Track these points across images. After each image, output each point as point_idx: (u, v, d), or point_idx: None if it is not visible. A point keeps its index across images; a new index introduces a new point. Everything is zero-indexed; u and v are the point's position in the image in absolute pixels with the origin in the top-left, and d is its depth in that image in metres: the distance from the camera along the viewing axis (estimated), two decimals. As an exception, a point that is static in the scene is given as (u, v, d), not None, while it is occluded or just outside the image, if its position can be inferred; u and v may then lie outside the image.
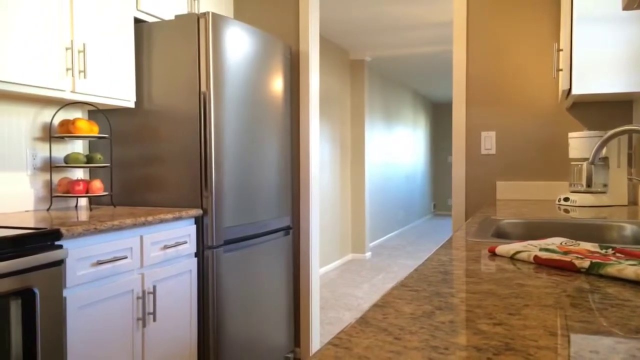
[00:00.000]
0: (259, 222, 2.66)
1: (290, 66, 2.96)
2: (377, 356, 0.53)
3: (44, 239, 1.59)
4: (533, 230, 1.80)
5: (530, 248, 1.07)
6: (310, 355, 2.95)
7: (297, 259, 3.09)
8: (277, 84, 2.80)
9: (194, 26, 2.34)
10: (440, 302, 0.74)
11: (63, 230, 1.65)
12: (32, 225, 1.71)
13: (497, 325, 0.63)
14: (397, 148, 8.34)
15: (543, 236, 1.77)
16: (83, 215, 2.05)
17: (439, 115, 11.38)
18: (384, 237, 7.71)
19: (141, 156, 2.47)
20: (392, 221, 8.10)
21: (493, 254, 1.11)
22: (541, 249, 1.06)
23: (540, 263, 0.99)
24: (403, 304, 0.73)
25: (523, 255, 1.03)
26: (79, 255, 1.74)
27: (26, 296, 1.53)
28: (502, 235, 1.76)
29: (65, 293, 1.69)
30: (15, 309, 1.51)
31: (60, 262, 1.64)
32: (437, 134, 11.38)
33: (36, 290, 1.55)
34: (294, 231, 3.09)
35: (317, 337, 3.18)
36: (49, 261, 1.57)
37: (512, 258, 1.06)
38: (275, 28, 3.11)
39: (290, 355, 3.03)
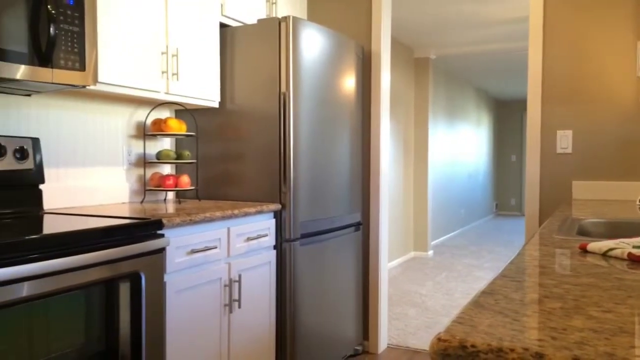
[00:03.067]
0: (332, 217, 2.76)
1: (362, 66, 3.04)
2: (502, 333, 0.60)
3: (148, 228, 1.75)
4: (616, 230, 1.80)
5: (623, 245, 1.10)
6: (379, 349, 3.01)
7: (367, 255, 3.17)
8: (349, 84, 2.89)
9: (275, 29, 2.46)
10: (545, 291, 0.79)
11: (164, 220, 1.80)
12: (131, 216, 1.88)
13: (606, 312, 0.68)
14: (460, 146, 8.25)
15: (627, 236, 1.76)
16: (172, 208, 2.21)
17: (503, 113, 11.12)
18: (446, 236, 7.66)
19: (223, 153, 2.62)
20: (453, 220, 8.03)
21: (584, 251, 1.15)
22: (634, 247, 1.09)
23: (634, 260, 1.02)
24: (510, 292, 0.79)
25: (616, 252, 1.06)
26: (177, 244, 1.90)
27: (134, 279, 1.69)
28: (585, 234, 1.77)
29: (165, 278, 1.85)
30: (124, 291, 1.67)
31: (162, 250, 1.79)
32: (501, 132, 11.13)
33: (142, 275, 1.71)
34: (363, 227, 3.17)
35: (384, 332, 3.25)
36: (153, 249, 1.73)
37: (605, 255, 1.09)
38: (348, 28, 3.19)
39: (359, 348, 3.11)
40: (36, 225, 1.67)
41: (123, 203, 2.43)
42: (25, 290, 1.35)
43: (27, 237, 1.38)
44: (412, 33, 5.38)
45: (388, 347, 3.29)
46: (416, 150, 6.32)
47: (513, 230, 8.79)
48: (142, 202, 2.50)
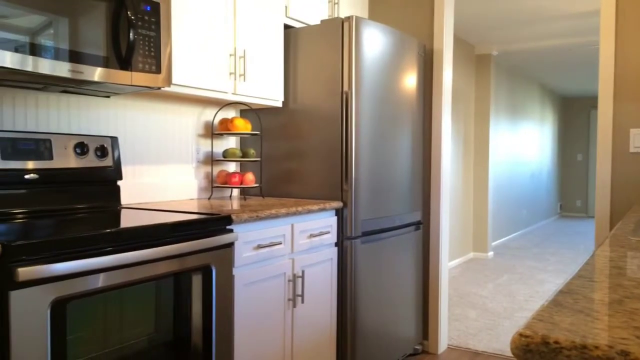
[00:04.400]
0: (392, 216, 2.76)
1: (423, 64, 3.02)
2: (585, 330, 0.60)
3: (219, 223, 1.82)
4: (697, 233, 1.71)
5: None
6: (439, 349, 2.99)
7: (427, 254, 3.15)
8: (410, 82, 2.88)
9: (338, 29, 2.49)
10: (625, 292, 0.78)
11: (233, 216, 1.88)
12: (200, 211, 1.96)
13: (694, 314, 0.67)
14: (523, 145, 8.00)
15: None
16: (238, 204, 2.28)
17: (569, 111, 10.69)
18: (507, 237, 7.46)
19: (286, 151, 2.69)
20: (515, 221, 7.80)
21: (664, 253, 1.11)
22: None
23: None
24: (588, 292, 0.78)
25: (701, 255, 1.02)
26: (244, 239, 1.97)
27: (205, 272, 1.77)
28: (662, 236, 1.69)
29: (234, 271, 1.92)
30: (196, 283, 1.76)
31: (231, 244, 1.86)
32: (567, 131, 10.70)
33: (213, 268, 1.79)
34: (424, 226, 3.15)
35: (445, 332, 3.22)
36: (223, 243, 1.80)
37: (688, 258, 1.05)
38: (410, 26, 3.18)
39: (419, 347, 3.10)
40: (116, 219, 1.78)
41: (191, 199, 2.53)
42: (104, 280, 1.45)
43: (109, 230, 1.47)
44: (474, 29, 5.28)
45: (448, 347, 3.26)
46: (476, 149, 6.19)
47: (579, 232, 8.44)
48: (209, 198, 2.60)
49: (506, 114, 7.23)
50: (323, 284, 2.40)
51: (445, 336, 3.23)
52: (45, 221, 1.68)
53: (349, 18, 2.46)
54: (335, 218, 2.48)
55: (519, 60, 6.86)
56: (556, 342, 0.57)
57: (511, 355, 2.92)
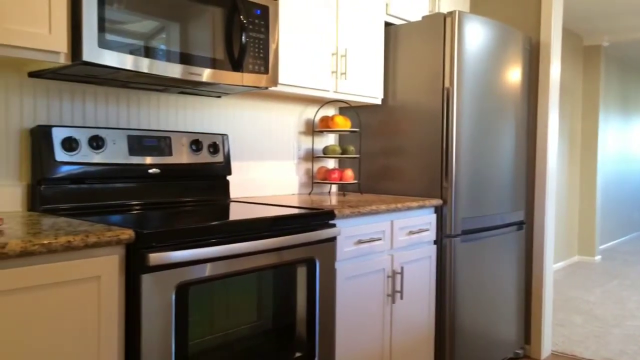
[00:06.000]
0: (493, 214, 2.69)
1: (529, 57, 2.90)
2: None
3: (322, 217, 1.88)
4: None
5: None
6: (542, 354, 2.87)
7: (530, 255, 3.03)
8: (514, 76, 2.78)
9: (440, 25, 2.46)
10: None
11: (335, 211, 1.93)
12: (302, 206, 2.03)
13: None
14: (636, 141, 7.39)
15: None
16: (337, 200, 2.33)
17: (690, 104, 9.70)
18: (617, 241, 6.94)
19: (385, 148, 2.70)
20: (626, 223, 7.24)
21: None
22: None
23: None
24: None
25: None
26: (346, 234, 2.01)
27: (309, 265, 1.84)
28: None
29: (336, 265, 1.97)
30: (301, 275, 1.83)
31: (333, 239, 1.92)
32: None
33: (317, 260, 1.85)
34: (527, 226, 3.03)
35: (548, 337, 3.08)
36: (327, 237, 1.86)
37: None
38: (514, 19, 3.06)
39: (520, 352, 2.99)
40: (228, 211, 1.89)
41: (293, 194, 2.63)
42: (221, 268, 1.55)
43: (226, 221, 1.58)
44: (582, 19, 4.96)
45: (552, 354, 3.12)
46: (583, 145, 5.82)
47: (701, 237, 7.65)
48: (309, 193, 2.68)
49: (617, 108, 6.72)
50: (421, 281, 2.40)
51: (548, 341, 3.09)
52: (164, 212, 1.83)
53: (451, 13, 2.42)
54: (434, 215, 2.47)
55: (633, 51, 6.34)
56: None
57: (623, 366, 2.74)
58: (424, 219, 2.40)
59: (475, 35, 2.50)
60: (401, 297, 2.26)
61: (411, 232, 2.33)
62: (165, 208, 1.94)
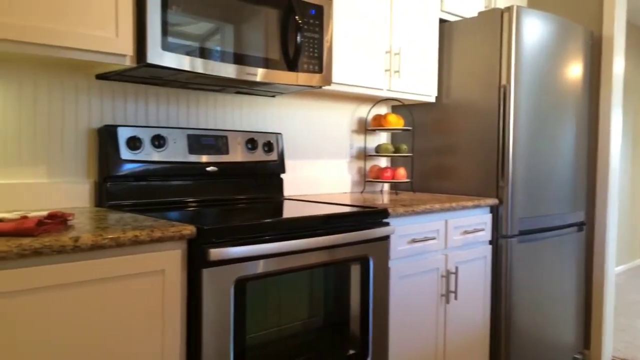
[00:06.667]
0: (552, 215, 2.61)
1: (590, 52, 2.79)
2: None
3: (376, 216, 1.88)
4: None
5: None
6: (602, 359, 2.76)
7: (590, 257, 2.92)
8: (574, 72, 2.68)
9: (497, 20, 2.41)
10: None
11: (389, 210, 1.92)
12: (356, 204, 2.04)
13: None
14: None
15: None
16: (390, 199, 2.32)
17: None
18: (683, 244, 6.56)
19: (437, 147, 2.67)
20: (694, 226, 6.83)
21: None
22: None
23: None
24: None
25: None
26: (399, 233, 2.01)
27: (363, 263, 1.84)
28: None
29: (389, 264, 1.97)
30: (354, 273, 1.84)
31: (387, 237, 1.92)
32: None
33: (371, 259, 1.85)
34: (587, 227, 2.92)
35: (609, 343, 2.96)
36: (380, 235, 1.85)
37: None
38: (575, 13, 2.95)
39: (579, 357, 2.89)
40: (281, 209, 1.93)
41: (345, 193, 2.64)
42: (276, 265, 1.58)
43: (282, 218, 1.61)
44: (648, 10, 4.72)
45: (613, 359, 2.99)
46: (648, 144, 5.54)
47: None
48: (362, 192, 2.68)
49: (686, 104, 6.35)
50: (476, 281, 2.36)
51: (609, 347, 2.97)
52: (220, 209, 1.87)
53: (509, 8, 2.36)
54: (490, 215, 2.42)
55: None
56: None
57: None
58: (479, 219, 2.36)
59: (534, 31, 2.43)
60: (455, 298, 2.23)
61: (466, 232, 2.30)
62: (220, 205, 2.00)
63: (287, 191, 2.42)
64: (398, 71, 2.40)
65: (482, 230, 2.37)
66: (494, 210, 2.44)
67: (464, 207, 2.25)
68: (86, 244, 1.21)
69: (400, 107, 2.83)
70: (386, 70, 2.37)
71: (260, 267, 1.52)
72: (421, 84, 2.54)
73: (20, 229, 1.17)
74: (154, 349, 1.35)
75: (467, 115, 2.54)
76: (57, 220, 1.30)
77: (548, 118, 2.55)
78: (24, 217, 1.26)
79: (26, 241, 1.13)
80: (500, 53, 2.40)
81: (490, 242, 2.44)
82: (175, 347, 1.39)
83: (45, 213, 1.32)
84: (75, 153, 1.80)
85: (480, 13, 2.48)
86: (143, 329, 1.33)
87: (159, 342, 1.36)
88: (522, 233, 2.45)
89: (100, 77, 1.83)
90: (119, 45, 1.54)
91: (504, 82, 2.39)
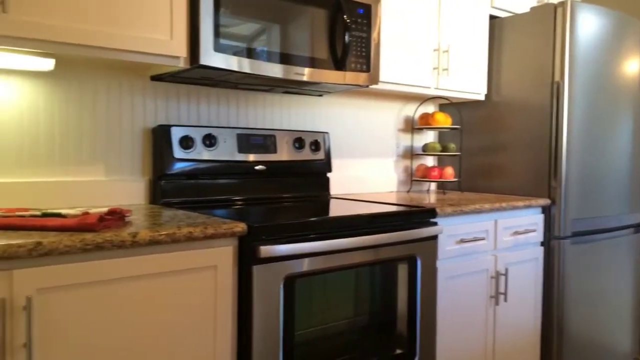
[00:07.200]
0: (607, 216, 2.51)
1: (650, 47, 2.68)
2: None
3: (424, 215, 1.87)
4: None
5: None
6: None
7: (648, 261, 2.79)
8: (632, 68, 2.57)
9: (551, 16, 2.34)
10: None
11: (437, 209, 1.91)
12: (402, 203, 2.02)
13: None
14: None
15: None
16: (437, 198, 2.30)
17: None
18: None
19: (487, 145, 2.62)
20: None
21: None
22: None
23: None
24: None
25: None
26: (447, 233, 1.98)
27: (410, 262, 1.83)
28: None
29: (437, 264, 1.95)
30: (402, 272, 1.83)
31: (435, 237, 1.90)
32: None
33: (418, 258, 1.84)
34: (645, 230, 2.80)
35: (669, 351, 2.82)
36: (428, 235, 1.84)
37: None
38: (633, 6, 2.83)
39: (636, 364, 2.78)
40: (328, 207, 1.94)
41: (391, 192, 2.62)
42: (323, 263, 1.59)
43: (331, 217, 1.62)
44: None
45: (673, 369, 2.86)
46: None
47: None
48: (408, 191, 2.66)
49: None
50: (527, 284, 2.30)
51: (669, 356, 2.83)
52: (268, 207, 1.90)
53: (562, 3, 2.29)
54: (541, 216, 2.35)
55: None
56: None
57: None
58: (531, 219, 2.30)
59: (589, 26, 2.35)
60: (505, 300, 2.19)
61: (516, 233, 2.25)
62: (267, 203, 2.03)
63: (334, 190, 2.43)
64: (446, 69, 2.37)
65: (534, 231, 2.32)
66: (546, 210, 2.37)
67: (515, 207, 2.20)
68: (144, 239, 1.25)
69: (448, 105, 2.79)
70: (434, 69, 2.34)
71: (307, 265, 1.53)
72: (470, 82, 2.49)
73: (83, 225, 1.22)
74: (207, 341, 1.39)
75: (518, 112, 2.48)
76: (117, 217, 1.35)
77: (604, 115, 2.46)
78: (86, 213, 1.32)
79: (89, 236, 1.18)
80: (553, 49, 2.34)
81: (542, 244, 2.38)
82: (226, 339, 1.42)
83: (105, 209, 1.37)
84: (131, 152, 1.87)
85: (532, 8, 2.41)
86: (197, 322, 1.37)
87: (212, 334, 1.40)
88: (576, 234, 2.37)
89: (155, 78, 1.89)
90: (174, 47, 1.59)
91: (557, 78, 2.33)
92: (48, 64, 1.58)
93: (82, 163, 1.77)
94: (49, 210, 1.35)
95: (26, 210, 1.38)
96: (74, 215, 1.31)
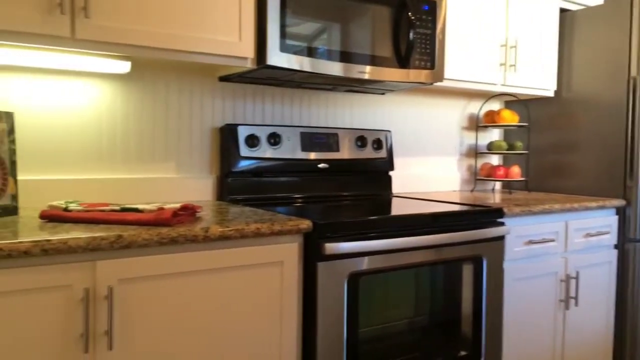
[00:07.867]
0: (689, 219, 2.36)
1: None
2: None
3: (491, 215, 1.83)
4: None
5: None
6: None
7: None
8: None
9: (627, 8, 2.22)
10: None
11: (505, 209, 1.86)
12: (467, 202, 1.98)
13: None
14: None
15: None
16: (502, 198, 2.24)
17: None
18: None
19: (555, 144, 2.52)
20: None
21: None
22: None
23: None
24: None
25: None
26: (515, 233, 1.93)
27: (476, 262, 1.79)
28: None
29: (504, 265, 1.90)
30: (467, 272, 1.80)
31: (502, 238, 1.85)
32: None
33: (484, 259, 1.80)
34: None
35: None
36: (494, 235, 1.80)
37: None
38: None
39: None
40: (390, 206, 1.93)
41: (454, 191, 2.58)
42: (386, 261, 1.59)
43: (395, 215, 1.62)
44: None
45: None
46: None
47: None
48: (472, 190, 2.61)
49: None
50: (599, 288, 2.20)
51: None
52: (330, 205, 1.92)
53: (640, -7, 2.18)
54: (615, 217, 2.25)
55: None
56: None
57: None
58: (604, 221, 2.20)
59: (671, 16, 2.21)
60: (576, 304, 2.10)
61: (588, 235, 2.15)
62: (329, 201, 2.04)
63: (396, 189, 2.42)
64: (514, 65, 2.30)
65: (607, 233, 2.21)
66: (621, 212, 2.26)
67: (587, 208, 2.11)
68: (214, 234, 1.30)
69: (515, 102, 2.71)
70: (501, 64, 2.28)
71: (370, 263, 1.54)
72: (539, 78, 2.41)
73: (159, 219, 1.28)
74: (273, 334, 1.43)
75: (589, 109, 2.38)
76: (189, 212, 1.41)
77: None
78: (161, 209, 1.38)
79: (164, 230, 1.24)
80: (629, 43, 2.22)
81: (616, 247, 2.27)
82: (292, 333, 1.45)
83: (178, 205, 1.43)
84: (200, 150, 1.94)
85: (606, 0, 2.30)
86: (264, 314, 1.41)
87: (278, 327, 1.43)
88: (654, 237, 2.25)
89: (223, 79, 1.95)
90: (242, 48, 1.64)
91: (633, 74, 2.21)
92: (125, 67, 1.67)
93: (155, 161, 1.86)
94: (127, 205, 1.43)
95: (106, 205, 1.46)
96: (150, 210, 1.38)
